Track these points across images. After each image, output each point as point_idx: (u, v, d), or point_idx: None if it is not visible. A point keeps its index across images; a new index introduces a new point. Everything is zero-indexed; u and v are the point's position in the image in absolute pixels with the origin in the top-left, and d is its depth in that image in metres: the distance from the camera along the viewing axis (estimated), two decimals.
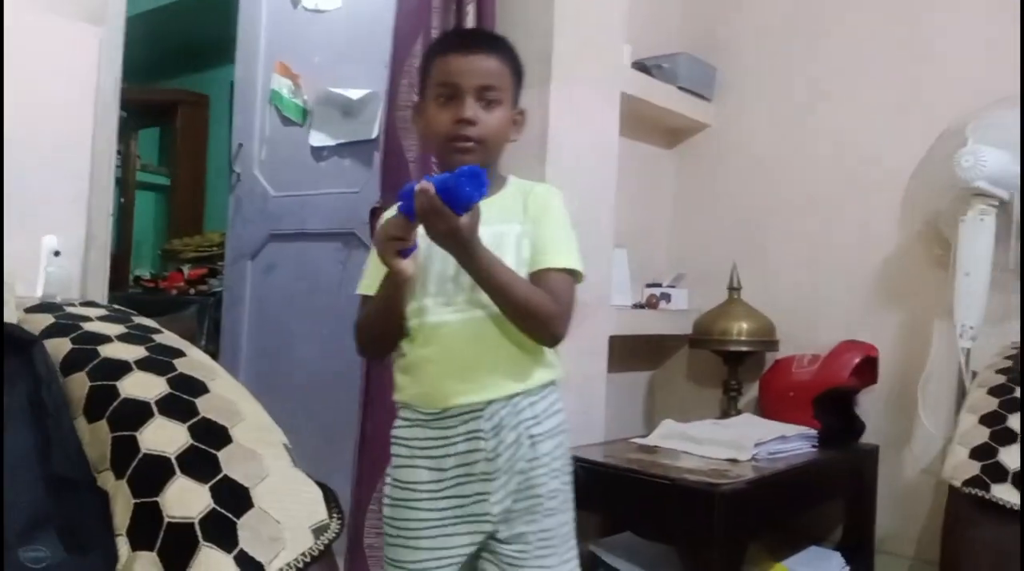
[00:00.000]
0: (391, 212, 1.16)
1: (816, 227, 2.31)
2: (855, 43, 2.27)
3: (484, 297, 1.16)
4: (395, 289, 1.15)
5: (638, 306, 2.38)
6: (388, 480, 1.24)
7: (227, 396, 0.96)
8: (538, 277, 1.19)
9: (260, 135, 2.59)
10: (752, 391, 2.31)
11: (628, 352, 2.37)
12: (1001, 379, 1.56)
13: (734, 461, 1.77)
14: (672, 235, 2.60)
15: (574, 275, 1.23)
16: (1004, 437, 1.40)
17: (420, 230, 1.10)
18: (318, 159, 2.42)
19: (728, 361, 2.27)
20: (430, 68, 1.23)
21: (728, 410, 2.26)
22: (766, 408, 2.18)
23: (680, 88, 2.38)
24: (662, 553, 1.82)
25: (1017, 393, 1.49)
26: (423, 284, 1.19)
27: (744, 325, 2.20)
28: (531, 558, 1.19)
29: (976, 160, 1.75)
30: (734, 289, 2.28)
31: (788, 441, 1.91)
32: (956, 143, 1.87)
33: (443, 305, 1.19)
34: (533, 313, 1.16)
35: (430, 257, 1.18)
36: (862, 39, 2.26)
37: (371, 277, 1.23)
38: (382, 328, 1.22)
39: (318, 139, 2.41)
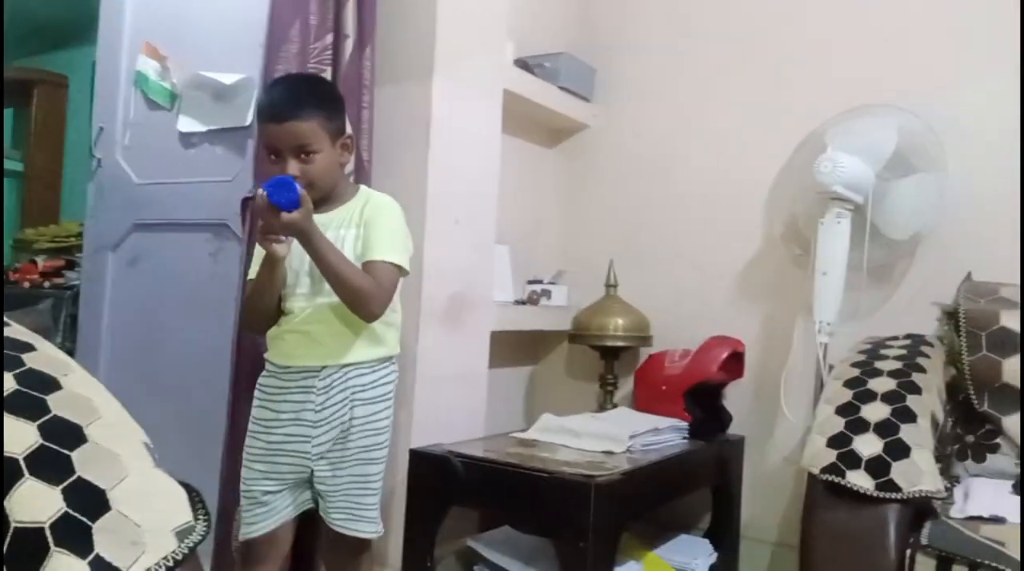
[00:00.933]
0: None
1: (688, 227, 2.40)
2: (727, 51, 2.37)
3: (327, 285, 1.48)
4: (271, 268, 1.47)
5: (520, 302, 2.40)
6: (251, 414, 1.58)
7: (82, 393, 0.90)
8: (365, 267, 1.50)
9: (124, 119, 2.44)
10: (628, 385, 2.37)
11: (509, 348, 2.39)
12: (855, 372, 1.66)
13: (610, 453, 1.81)
14: (553, 233, 2.63)
15: (398, 269, 1.53)
16: (858, 426, 1.49)
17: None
18: (187, 146, 2.30)
19: (605, 356, 2.32)
20: (260, 128, 1.54)
21: (605, 404, 2.32)
22: (640, 401, 2.24)
23: (561, 88, 2.42)
24: (540, 546, 1.84)
25: (870, 385, 1.59)
26: (294, 273, 1.53)
27: (620, 321, 2.26)
28: (340, 495, 1.53)
29: (834, 166, 1.85)
30: (611, 286, 2.33)
31: (661, 433, 1.98)
32: (816, 149, 1.98)
33: (299, 293, 1.54)
34: (356, 291, 1.47)
35: (291, 257, 1.50)
36: (733, 48, 2.36)
37: (257, 264, 1.54)
38: (260, 303, 1.53)
39: (187, 125, 2.29)
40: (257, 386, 1.59)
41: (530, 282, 2.46)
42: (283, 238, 1.43)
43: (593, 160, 2.58)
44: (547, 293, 2.44)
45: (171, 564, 0.80)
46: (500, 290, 2.26)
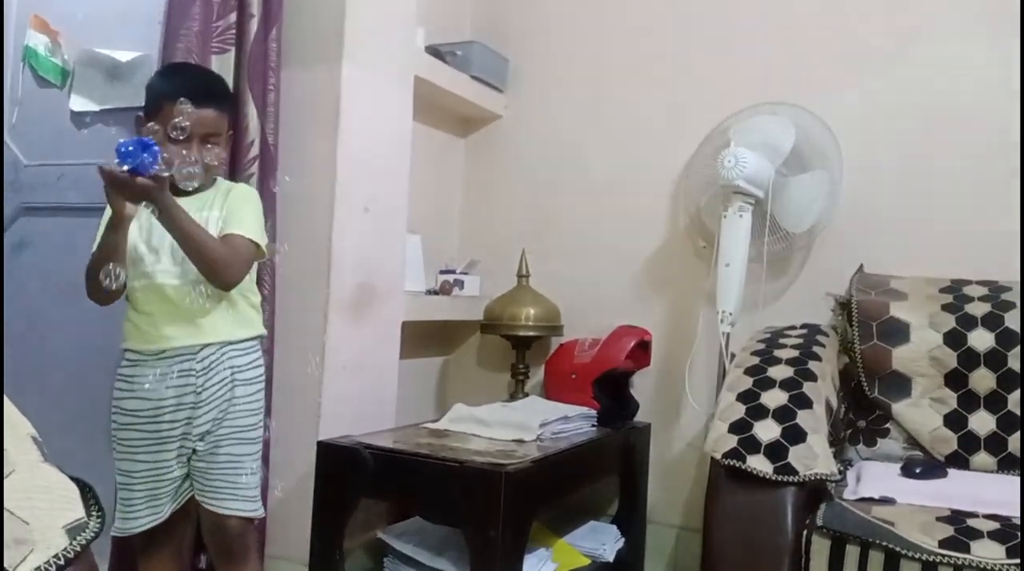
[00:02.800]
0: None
1: (597, 218, 2.43)
2: (636, 45, 2.41)
3: (192, 265, 1.48)
4: (117, 230, 1.42)
5: (431, 292, 2.39)
6: (113, 409, 1.55)
7: None
8: (223, 239, 1.53)
9: (11, 97, 2.31)
10: (539, 374, 2.39)
11: (421, 338, 2.37)
12: (755, 360, 1.71)
13: (520, 442, 1.82)
14: (465, 222, 2.63)
15: (255, 247, 1.56)
16: (758, 413, 1.54)
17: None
18: (79, 126, 2.19)
19: (516, 345, 2.33)
20: (163, 106, 1.49)
21: (516, 393, 2.33)
22: (550, 390, 2.27)
23: (473, 77, 2.41)
24: (450, 536, 1.83)
25: (769, 372, 1.65)
26: (154, 253, 1.51)
27: (532, 311, 2.27)
28: (216, 474, 1.54)
29: (736, 161, 1.90)
30: (523, 276, 2.34)
31: (570, 421, 2.00)
32: (720, 145, 2.04)
33: (161, 271, 1.51)
34: (212, 259, 1.47)
35: (151, 232, 1.50)
36: (642, 42, 2.40)
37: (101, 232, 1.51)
38: (102, 268, 1.43)
39: (80, 103, 2.18)
40: (121, 377, 1.55)
41: (442, 272, 2.45)
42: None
43: (505, 150, 2.58)
44: (459, 283, 2.43)
45: (62, 563, 0.76)
46: (411, 280, 2.24)
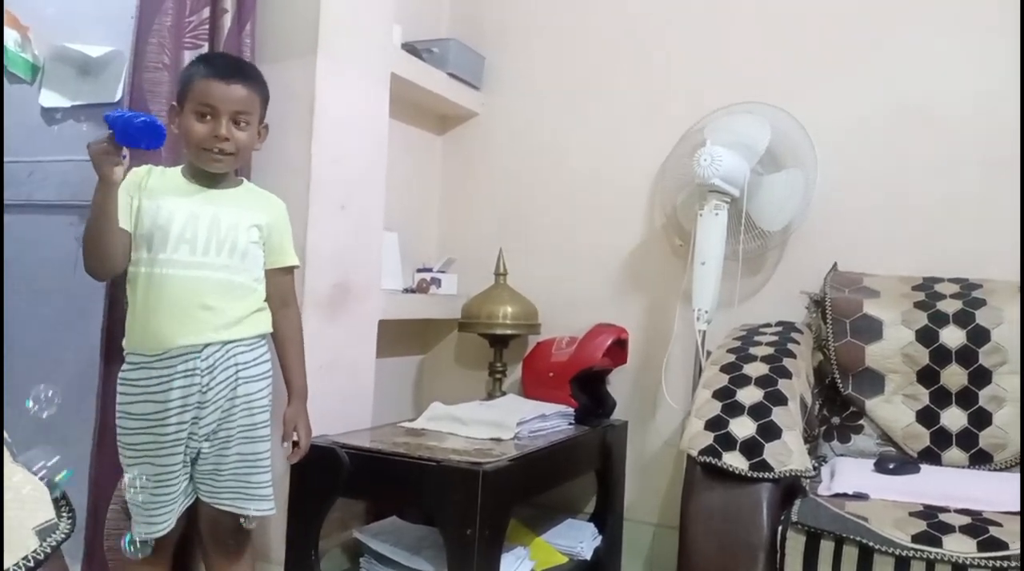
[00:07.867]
0: None
1: (575, 216, 2.43)
2: (613, 43, 2.41)
3: (211, 259, 1.48)
4: (105, 193, 1.38)
5: (408, 290, 2.38)
6: (119, 414, 1.50)
7: None
8: (285, 270, 1.62)
9: None
10: (517, 372, 2.39)
11: (398, 336, 2.36)
12: (731, 357, 1.72)
13: (498, 440, 1.82)
14: (442, 220, 2.62)
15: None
16: (733, 410, 1.55)
17: (177, 190, 1.51)
18: (50, 122, 2.16)
19: (494, 344, 2.33)
20: (192, 86, 1.49)
21: (494, 391, 2.33)
22: (528, 388, 2.27)
23: (450, 74, 2.40)
24: (427, 535, 1.83)
25: (745, 370, 1.66)
26: (162, 241, 1.46)
27: (509, 309, 2.27)
28: (228, 474, 1.52)
29: (713, 160, 1.92)
30: (500, 274, 2.34)
31: (547, 419, 2.00)
32: (696, 143, 2.05)
33: (175, 261, 1.46)
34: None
35: (171, 220, 1.47)
36: (619, 40, 2.41)
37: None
38: (97, 234, 1.42)
39: (50, 99, 2.15)
40: (124, 381, 1.50)
41: (419, 270, 2.44)
42: (122, 160, 1.35)
43: (482, 148, 2.58)
44: (436, 281, 2.42)
45: (32, 564, 0.74)
46: (388, 278, 2.23)
